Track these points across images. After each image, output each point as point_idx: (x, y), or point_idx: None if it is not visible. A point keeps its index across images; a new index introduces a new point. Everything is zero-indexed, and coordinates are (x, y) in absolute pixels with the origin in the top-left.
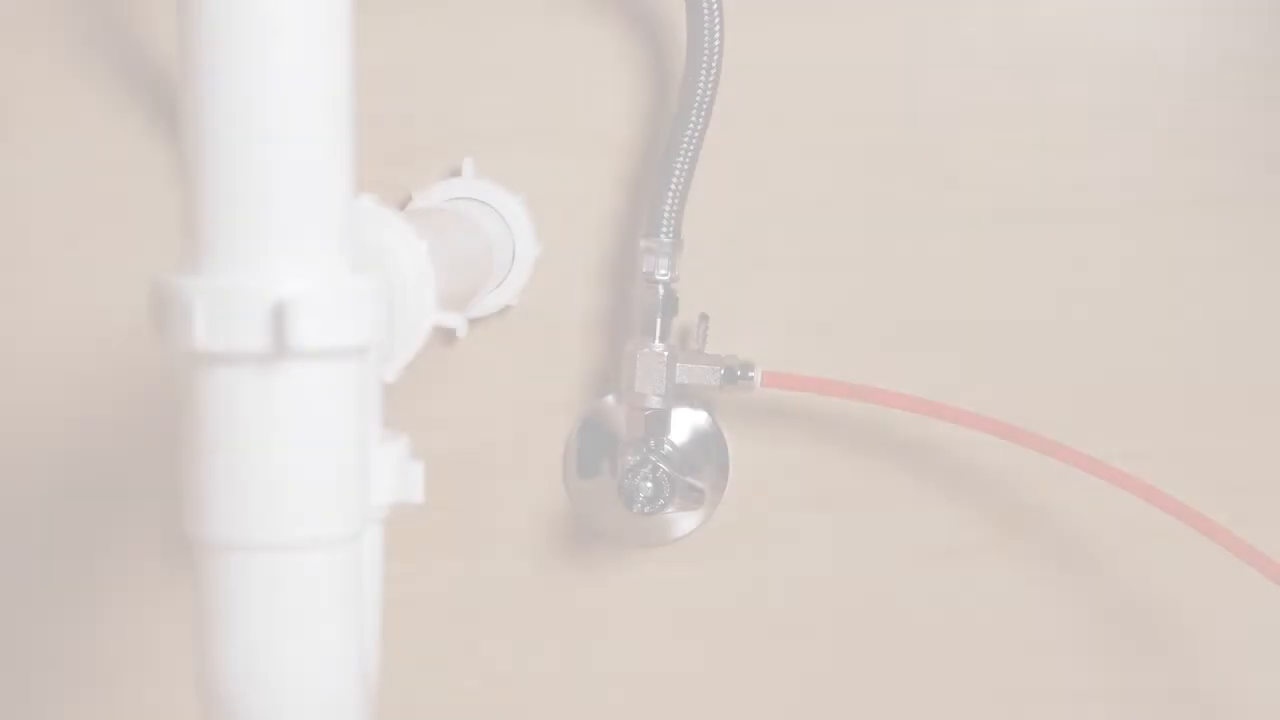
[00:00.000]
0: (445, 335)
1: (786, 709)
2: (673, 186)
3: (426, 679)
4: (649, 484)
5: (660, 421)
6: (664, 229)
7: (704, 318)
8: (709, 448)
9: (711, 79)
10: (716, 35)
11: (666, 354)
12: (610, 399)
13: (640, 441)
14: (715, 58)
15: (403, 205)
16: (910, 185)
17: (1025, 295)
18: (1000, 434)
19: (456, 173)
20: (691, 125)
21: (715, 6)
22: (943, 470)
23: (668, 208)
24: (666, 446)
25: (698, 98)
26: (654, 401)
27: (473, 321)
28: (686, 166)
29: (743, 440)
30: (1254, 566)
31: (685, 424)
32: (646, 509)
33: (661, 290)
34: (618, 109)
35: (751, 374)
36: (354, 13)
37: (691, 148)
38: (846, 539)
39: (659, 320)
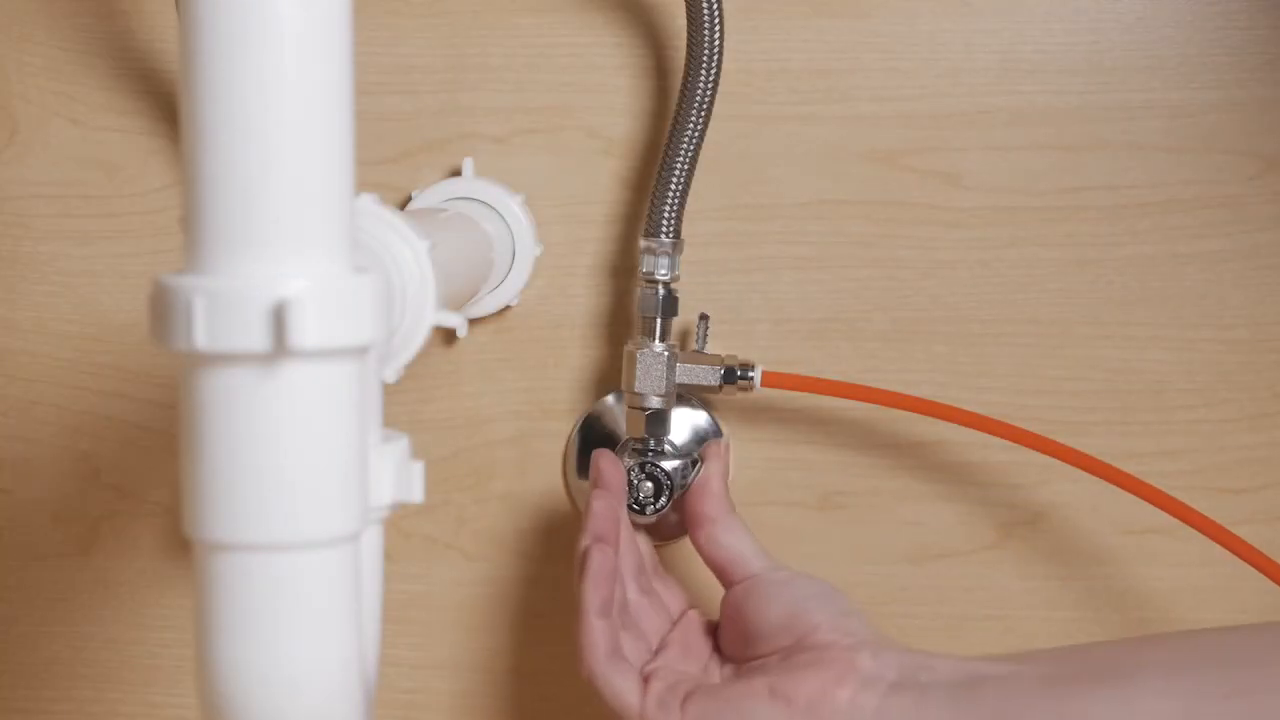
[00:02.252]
0: (445, 335)
1: None
2: (673, 186)
3: (426, 679)
4: (649, 484)
5: (660, 421)
6: (664, 229)
7: (704, 318)
8: None
9: (711, 79)
10: (716, 35)
11: (666, 354)
12: (610, 399)
13: (640, 441)
14: (715, 58)
15: (403, 205)
16: (910, 185)
17: (1025, 295)
18: (1000, 434)
19: (456, 173)
20: (691, 125)
21: (715, 6)
22: (943, 470)
23: (668, 208)
24: (666, 446)
25: (698, 98)
26: (654, 401)
27: (473, 321)
28: (686, 166)
29: (743, 440)
30: (1254, 566)
31: (685, 424)
32: (646, 509)
33: (661, 290)
34: (618, 109)
35: (751, 374)
36: (354, 13)
37: (691, 148)
38: (846, 539)
39: (659, 320)
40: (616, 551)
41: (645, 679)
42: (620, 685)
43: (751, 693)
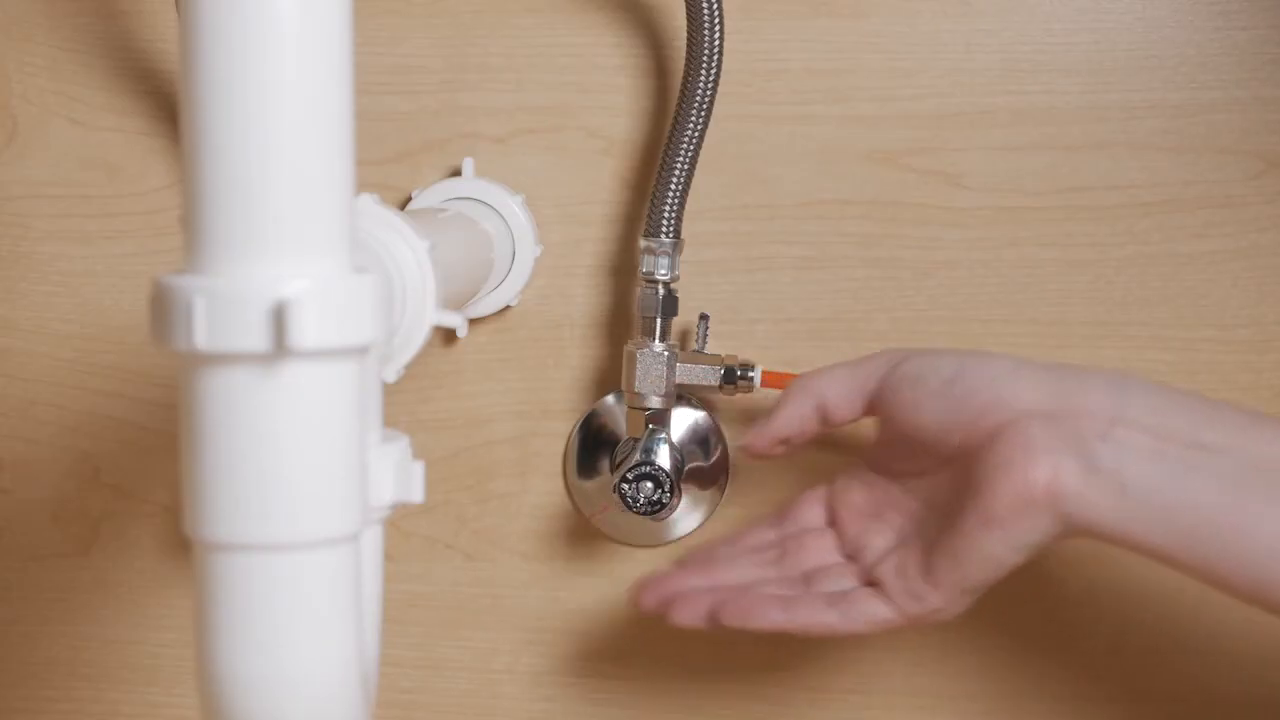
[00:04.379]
0: (445, 335)
1: (788, 708)
2: (673, 186)
3: (427, 679)
4: (649, 484)
5: (660, 421)
6: (664, 229)
7: (704, 318)
8: (709, 448)
9: (711, 79)
10: (716, 35)
11: (666, 354)
12: (610, 399)
13: (639, 442)
14: (715, 58)
15: (403, 205)
16: (910, 185)
17: (1025, 295)
18: None
19: (456, 173)
20: (691, 125)
21: (715, 6)
22: None
23: (668, 208)
24: (659, 443)
25: (698, 98)
26: (654, 401)
27: (473, 321)
28: (686, 166)
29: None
30: None
31: (685, 424)
32: (646, 509)
33: (661, 290)
34: (618, 109)
35: (751, 374)
36: (354, 13)
37: (691, 148)
38: None
39: (659, 320)
40: (748, 595)
41: (875, 585)
42: (866, 619)
43: (973, 538)
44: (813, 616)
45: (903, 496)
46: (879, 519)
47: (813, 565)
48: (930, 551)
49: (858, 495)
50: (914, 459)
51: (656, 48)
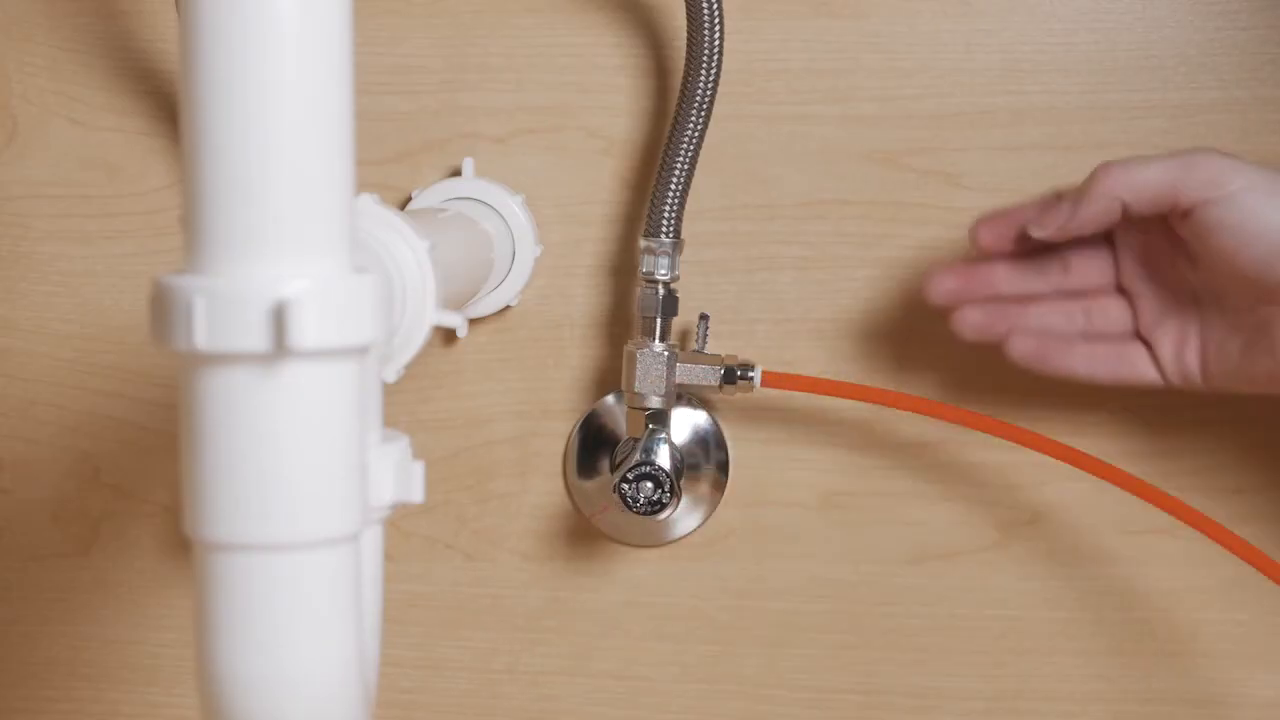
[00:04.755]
0: (445, 335)
1: (786, 709)
2: (673, 186)
3: (427, 679)
4: (649, 484)
5: (660, 421)
6: (664, 229)
7: (704, 318)
8: (709, 448)
9: (711, 79)
10: (716, 35)
11: (666, 354)
12: (610, 399)
13: (639, 442)
14: (715, 58)
15: (403, 205)
16: (910, 185)
17: None
18: (1000, 434)
19: (456, 173)
20: (691, 125)
21: (715, 6)
22: (943, 470)
23: (668, 208)
24: (660, 444)
25: (698, 98)
26: (654, 401)
27: (473, 321)
28: (686, 166)
29: (743, 440)
30: (1254, 566)
31: (685, 424)
32: (646, 509)
33: (661, 290)
34: (618, 109)
35: (751, 374)
36: (354, 13)
37: (691, 148)
38: (846, 539)
39: (659, 320)
40: (1040, 333)
41: (1147, 344)
42: (1138, 377)
43: (1262, 385)
44: (1097, 367)
45: (1183, 274)
46: (1155, 274)
47: (1088, 286)
48: (1213, 361)
49: (1138, 241)
50: (1205, 269)
51: (656, 48)
